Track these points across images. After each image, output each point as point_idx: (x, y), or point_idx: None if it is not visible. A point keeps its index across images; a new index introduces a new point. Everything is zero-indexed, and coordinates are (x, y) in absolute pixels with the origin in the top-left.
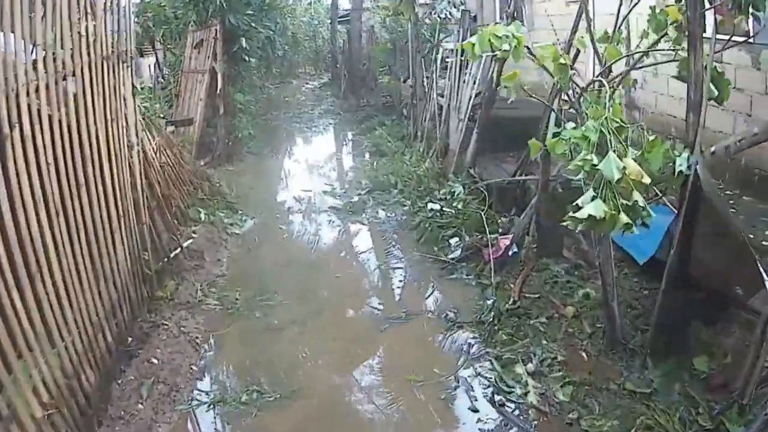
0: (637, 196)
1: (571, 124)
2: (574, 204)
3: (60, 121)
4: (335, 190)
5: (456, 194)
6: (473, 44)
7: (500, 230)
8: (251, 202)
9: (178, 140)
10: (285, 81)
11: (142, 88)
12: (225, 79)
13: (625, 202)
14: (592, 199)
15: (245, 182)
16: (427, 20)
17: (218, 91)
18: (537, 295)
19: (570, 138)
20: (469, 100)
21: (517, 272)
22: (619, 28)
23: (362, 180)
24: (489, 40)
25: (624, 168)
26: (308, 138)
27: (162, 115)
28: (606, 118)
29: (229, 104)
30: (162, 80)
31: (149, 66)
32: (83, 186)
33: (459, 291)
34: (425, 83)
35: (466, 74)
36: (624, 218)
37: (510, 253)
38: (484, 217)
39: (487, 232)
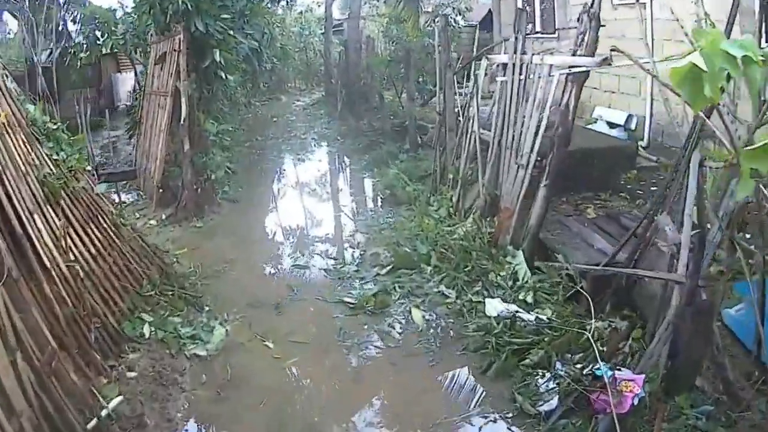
0: None
1: None
2: None
3: None
4: (342, 267)
5: (522, 279)
6: (698, 68)
7: (604, 349)
8: (222, 289)
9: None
10: (273, 97)
11: (57, 127)
12: (192, 103)
13: None
14: None
15: (216, 250)
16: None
17: (182, 120)
18: None
19: None
20: (535, 136)
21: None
22: None
23: (379, 249)
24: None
25: None
26: (301, 174)
27: (91, 166)
28: None
29: (197, 136)
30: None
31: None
32: None
33: None
34: (458, 109)
35: (525, 99)
36: None
37: (636, 401)
38: (590, 336)
39: (600, 364)
